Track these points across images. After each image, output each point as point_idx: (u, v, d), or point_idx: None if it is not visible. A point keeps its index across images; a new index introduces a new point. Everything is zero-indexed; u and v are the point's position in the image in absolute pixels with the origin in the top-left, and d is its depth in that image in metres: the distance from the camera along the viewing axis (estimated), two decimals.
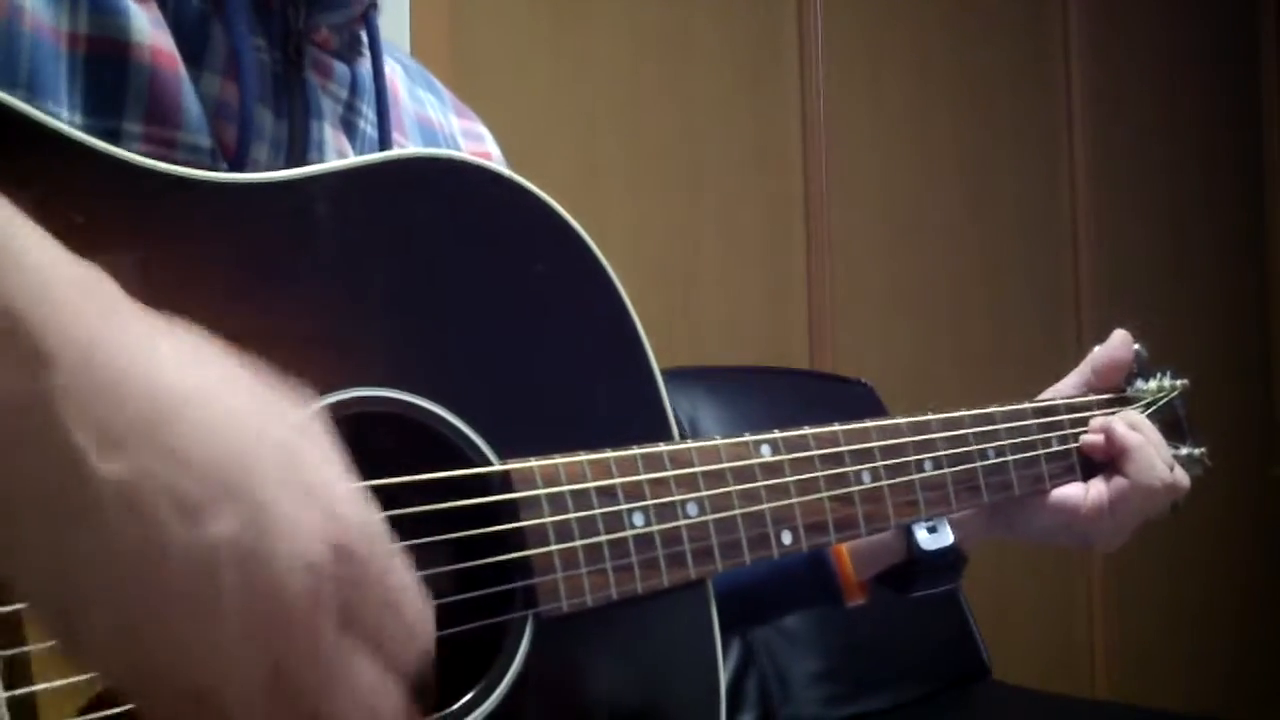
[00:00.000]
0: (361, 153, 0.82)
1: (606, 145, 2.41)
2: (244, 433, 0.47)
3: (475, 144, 0.98)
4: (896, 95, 2.89)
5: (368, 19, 0.84)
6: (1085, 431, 1.04)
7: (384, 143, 0.84)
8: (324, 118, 0.79)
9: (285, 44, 0.77)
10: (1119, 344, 1.11)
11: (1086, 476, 1.03)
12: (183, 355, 0.48)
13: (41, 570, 0.45)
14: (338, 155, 0.79)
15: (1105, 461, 1.03)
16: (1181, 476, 1.04)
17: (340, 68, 0.82)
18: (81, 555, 0.44)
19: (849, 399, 2.27)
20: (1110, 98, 3.33)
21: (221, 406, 0.47)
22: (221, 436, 0.46)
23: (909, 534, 0.96)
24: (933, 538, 0.97)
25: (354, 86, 0.84)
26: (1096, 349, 1.11)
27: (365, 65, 0.86)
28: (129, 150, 0.61)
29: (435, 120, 0.95)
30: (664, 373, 2.27)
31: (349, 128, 0.82)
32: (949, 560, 0.99)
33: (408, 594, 0.51)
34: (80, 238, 0.56)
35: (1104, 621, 3.23)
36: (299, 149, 0.77)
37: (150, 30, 0.68)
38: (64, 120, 0.61)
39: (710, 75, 2.58)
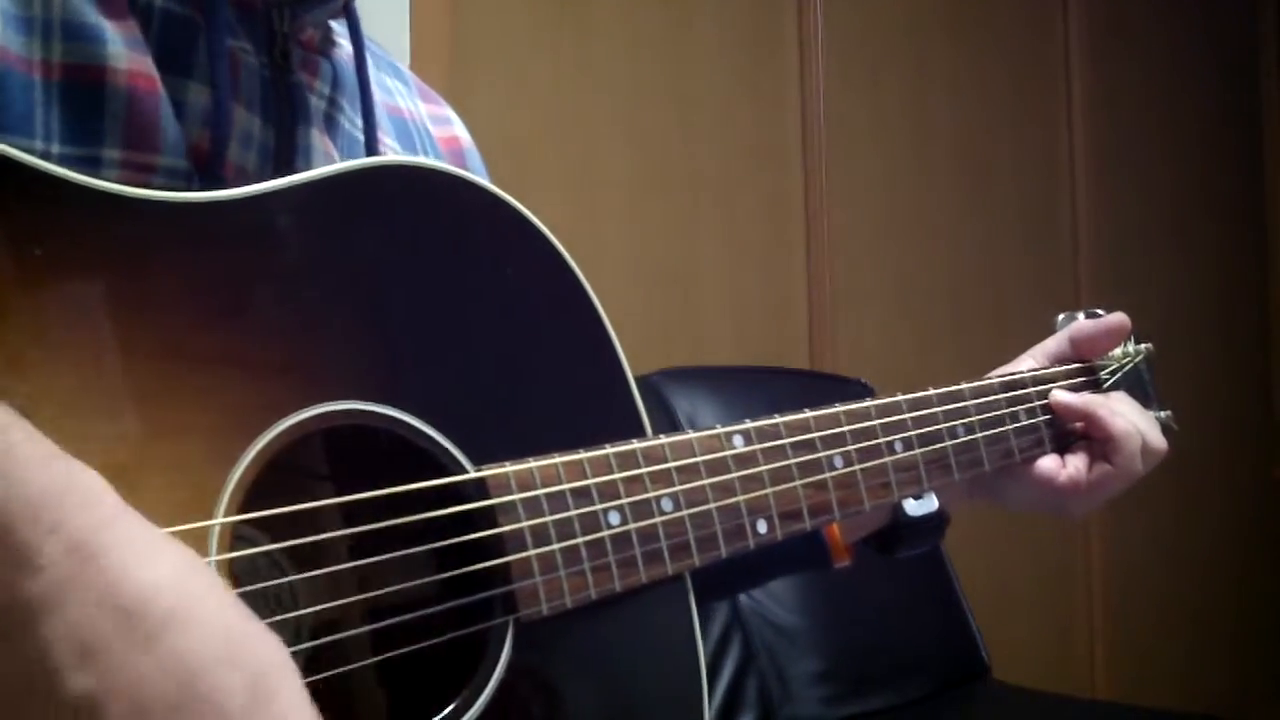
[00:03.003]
0: (345, 150, 0.82)
1: (607, 145, 2.42)
2: (217, 662, 0.48)
3: (443, 128, 0.98)
4: (896, 95, 2.89)
5: (348, 9, 0.83)
6: (1049, 403, 1.03)
7: (369, 140, 0.83)
8: (311, 123, 0.79)
9: (271, 48, 0.76)
10: (1113, 326, 1.10)
11: (1057, 447, 1.03)
12: (174, 573, 0.49)
13: None
14: (325, 159, 0.79)
15: (1081, 436, 1.04)
16: (1161, 442, 1.04)
17: (324, 65, 0.82)
18: None
19: (849, 399, 2.26)
20: (1110, 98, 3.32)
21: (200, 632, 0.48)
22: (193, 663, 0.47)
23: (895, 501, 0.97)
24: (918, 504, 0.98)
25: (335, 82, 0.83)
26: (1083, 320, 1.11)
27: (340, 56, 0.85)
28: (106, 178, 0.60)
29: (405, 109, 0.94)
30: (664, 373, 2.25)
31: (331, 124, 0.82)
32: (934, 524, 1.00)
33: None
34: (42, 269, 0.57)
35: (1104, 621, 3.22)
36: (286, 155, 0.76)
37: (127, 53, 0.67)
38: (38, 151, 0.61)
39: (710, 75, 2.58)
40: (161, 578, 0.48)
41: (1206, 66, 3.62)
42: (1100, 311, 1.12)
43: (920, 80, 2.93)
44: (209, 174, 0.70)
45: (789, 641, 2.07)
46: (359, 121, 0.84)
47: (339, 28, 0.86)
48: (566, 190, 2.31)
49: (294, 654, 0.62)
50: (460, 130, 0.99)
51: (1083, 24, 3.27)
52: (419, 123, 0.95)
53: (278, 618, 0.62)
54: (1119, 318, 1.10)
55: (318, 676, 0.62)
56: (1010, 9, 3.14)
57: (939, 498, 0.99)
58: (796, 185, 2.71)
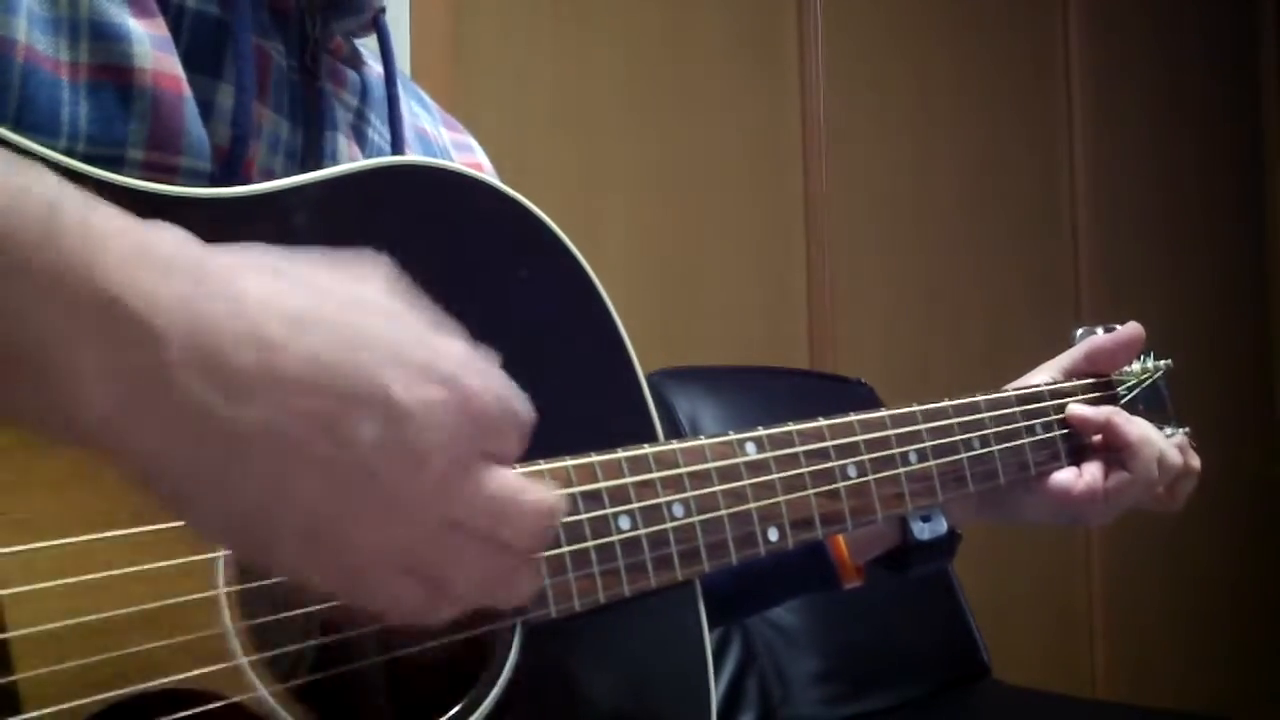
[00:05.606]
0: None
1: (607, 146, 2.41)
2: (345, 339, 0.51)
3: (465, 155, 0.99)
4: (897, 95, 2.89)
5: (378, 22, 0.84)
6: (1066, 417, 1.03)
7: (397, 152, 0.84)
8: (338, 128, 0.79)
9: (302, 53, 0.77)
10: (1130, 339, 1.10)
11: (1073, 460, 1.03)
12: (268, 287, 0.51)
13: (220, 517, 0.51)
14: None
15: (1097, 448, 1.03)
16: (1176, 458, 1.04)
17: (352, 76, 0.83)
18: (253, 496, 0.50)
19: (849, 399, 2.27)
20: (1110, 98, 3.33)
21: (318, 323, 0.51)
22: (329, 351, 0.50)
23: (904, 524, 0.97)
24: (928, 526, 0.98)
25: (363, 94, 0.84)
26: (1099, 335, 1.10)
27: (369, 74, 0.86)
28: (130, 177, 0.61)
29: (429, 132, 0.95)
30: (664, 373, 2.25)
31: (360, 136, 0.83)
32: (944, 545, 0.99)
33: (516, 409, 0.56)
34: None
35: (1104, 621, 3.23)
36: (312, 159, 0.77)
37: (153, 53, 0.67)
38: (62, 149, 0.61)
39: (710, 76, 2.58)
40: (263, 294, 0.51)
41: (1206, 67, 3.63)
42: (1117, 327, 1.11)
43: (920, 80, 2.93)
44: (230, 174, 0.70)
45: (789, 641, 2.07)
46: (387, 135, 0.84)
47: (367, 47, 0.86)
48: (567, 190, 2.30)
49: (302, 651, 0.63)
50: (481, 156, 1.00)
51: (1083, 25, 3.28)
52: (442, 147, 0.95)
53: (286, 614, 0.62)
54: (1132, 329, 1.10)
55: (325, 674, 0.62)
56: (1010, 10, 3.14)
57: (948, 515, 0.99)
58: (797, 185, 2.71)
